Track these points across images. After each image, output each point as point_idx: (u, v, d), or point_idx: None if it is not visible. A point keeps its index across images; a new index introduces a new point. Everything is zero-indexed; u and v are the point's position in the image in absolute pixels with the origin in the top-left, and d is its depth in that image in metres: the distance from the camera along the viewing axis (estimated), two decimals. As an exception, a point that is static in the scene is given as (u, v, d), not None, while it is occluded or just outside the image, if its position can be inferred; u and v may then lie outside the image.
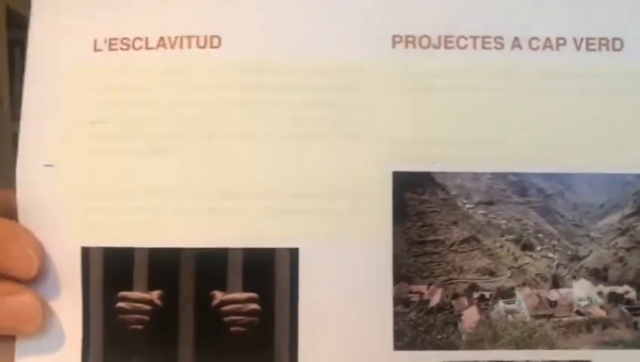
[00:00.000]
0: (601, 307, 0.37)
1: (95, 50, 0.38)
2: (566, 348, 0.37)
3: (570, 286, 0.37)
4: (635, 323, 0.37)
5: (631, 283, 0.37)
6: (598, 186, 0.37)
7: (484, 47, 0.37)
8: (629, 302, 0.37)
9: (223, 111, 0.37)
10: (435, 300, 0.36)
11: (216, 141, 0.37)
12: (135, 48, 0.38)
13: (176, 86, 0.37)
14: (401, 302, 0.36)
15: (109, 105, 0.38)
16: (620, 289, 0.37)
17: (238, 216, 0.37)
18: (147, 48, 0.38)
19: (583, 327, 0.37)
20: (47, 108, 0.38)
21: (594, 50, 0.38)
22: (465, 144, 0.37)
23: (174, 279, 0.36)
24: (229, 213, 0.37)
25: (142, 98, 0.38)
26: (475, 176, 0.37)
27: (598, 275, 0.37)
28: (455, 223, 0.37)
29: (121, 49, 0.38)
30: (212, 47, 0.37)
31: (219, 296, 0.36)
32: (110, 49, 0.38)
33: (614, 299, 0.37)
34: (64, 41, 0.38)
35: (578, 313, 0.37)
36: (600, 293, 0.37)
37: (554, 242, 0.37)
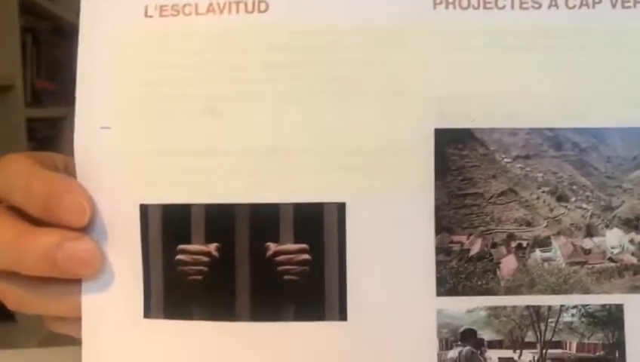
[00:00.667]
0: (633, 254, 0.39)
1: (146, 16, 0.39)
2: (599, 293, 0.39)
3: (604, 235, 0.39)
4: (664, 269, 0.39)
5: (661, 232, 0.39)
6: (630, 140, 0.39)
7: (521, 7, 0.39)
8: (660, 249, 0.39)
9: (272, 72, 0.39)
10: (475, 249, 0.38)
11: (266, 101, 0.38)
12: (185, 14, 0.39)
13: (226, 49, 0.39)
14: (442, 251, 0.38)
15: (159, 67, 0.39)
16: (650, 237, 0.39)
17: (288, 172, 0.38)
18: (197, 14, 0.39)
19: (615, 273, 0.39)
20: (101, 73, 0.39)
21: (629, 7, 0.39)
22: (503, 101, 0.38)
23: (230, 232, 0.38)
24: (280, 170, 0.38)
25: (192, 61, 0.39)
26: (513, 132, 0.39)
27: (630, 224, 0.39)
28: (494, 177, 0.39)
29: (172, 15, 0.39)
30: (259, 11, 0.39)
31: (272, 247, 0.38)
32: (161, 15, 0.39)
33: (645, 246, 0.39)
34: (116, 7, 0.40)
35: (610, 260, 0.39)
36: (632, 241, 0.39)
37: (588, 193, 0.39)
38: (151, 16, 0.39)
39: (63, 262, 0.37)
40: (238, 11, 0.39)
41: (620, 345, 0.39)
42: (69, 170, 0.40)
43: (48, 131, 2.75)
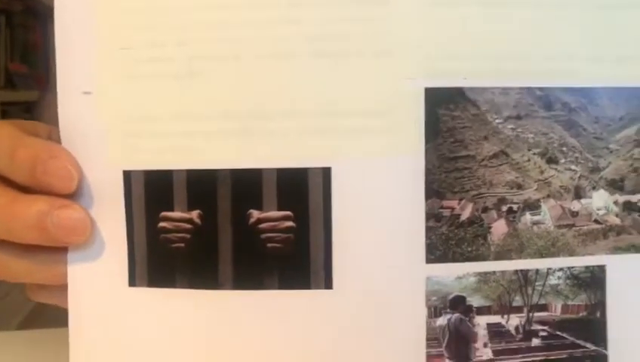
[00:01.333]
0: (617, 215, 0.39)
1: None
2: (583, 255, 0.39)
3: (591, 197, 0.39)
4: (646, 229, 0.39)
5: (644, 192, 0.39)
6: (618, 100, 0.38)
7: None
8: (641, 209, 0.39)
9: (253, 30, 0.37)
10: (466, 214, 0.38)
11: (247, 61, 0.37)
12: None
13: (203, 7, 0.37)
14: (432, 216, 0.37)
15: (138, 29, 0.37)
16: (634, 198, 0.39)
17: (270, 136, 0.37)
18: None
19: (600, 235, 0.39)
20: (79, 36, 0.37)
21: None
22: (494, 59, 0.37)
23: (212, 199, 0.37)
24: (262, 134, 0.37)
25: (170, 21, 0.37)
26: (505, 91, 0.37)
27: (615, 185, 0.39)
28: (485, 138, 0.38)
29: None
30: None
31: (255, 214, 0.37)
32: None
33: (628, 207, 0.39)
34: None
35: (596, 221, 0.39)
36: (616, 202, 0.39)
37: (577, 155, 0.38)
38: None
39: (53, 230, 0.36)
40: None
41: (601, 304, 0.39)
42: (53, 139, 0.39)
43: (22, 114, 2.70)
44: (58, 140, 0.38)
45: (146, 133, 0.37)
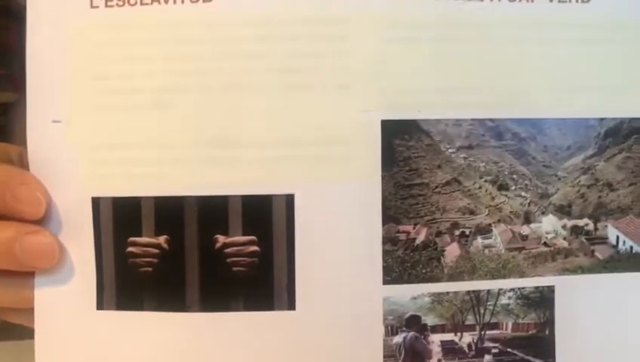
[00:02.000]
0: (565, 238, 0.41)
1: (92, 6, 0.38)
2: (533, 276, 0.41)
3: (540, 222, 0.41)
4: (592, 251, 0.42)
5: (590, 217, 0.41)
6: (566, 130, 0.41)
7: None
8: (587, 233, 0.42)
9: (218, 63, 0.38)
10: (421, 238, 0.40)
11: (213, 93, 0.38)
12: (130, 4, 0.38)
13: (172, 41, 0.38)
14: (389, 240, 0.39)
15: (108, 61, 0.39)
16: (580, 223, 0.41)
17: (235, 164, 0.39)
18: (142, 4, 0.38)
19: (549, 257, 0.41)
20: (50, 66, 0.39)
21: (565, 1, 0.40)
22: (447, 92, 0.39)
23: (179, 224, 0.39)
24: (228, 162, 0.38)
25: (139, 53, 0.38)
26: (457, 123, 0.40)
27: (563, 210, 0.41)
28: (439, 167, 0.40)
29: (117, 5, 0.38)
30: (204, 1, 0.38)
31: (221, 239, 0.39)
32: (107, 6, 0.38)
33: (576, 231, 0.41)
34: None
35: (545, 244, 0.41)
36: (564, 226, 0.41)
37: (526, 182, 0.41)
38: (97, 7, 0.38)
39: (21, 255, 0.37)
40: (183, 1, 0.38)
41: (550, 323, 0.42)
42: (23, 161, 0.40)
43: None
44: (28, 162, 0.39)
45: (115, 160, 0.39)
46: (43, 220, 0.39)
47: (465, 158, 0.40)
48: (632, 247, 0.42)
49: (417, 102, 0.39)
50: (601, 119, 0.41)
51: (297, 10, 0.39)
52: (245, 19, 0.38)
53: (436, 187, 0.40)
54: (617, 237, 0.42)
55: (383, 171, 0.39)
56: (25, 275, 0.39)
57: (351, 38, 0.39)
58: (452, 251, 0.40)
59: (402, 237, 0.39)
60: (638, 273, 0.42)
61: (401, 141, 0.39)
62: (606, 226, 0.42)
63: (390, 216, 0.39)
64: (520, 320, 0.41)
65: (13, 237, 0.37)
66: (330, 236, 0.39)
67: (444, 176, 0.40)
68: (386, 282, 0.40)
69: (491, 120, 0.40)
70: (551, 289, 0.41)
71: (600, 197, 0.41)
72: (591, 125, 0.41)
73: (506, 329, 0.41)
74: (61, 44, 0.39)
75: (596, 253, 0.41)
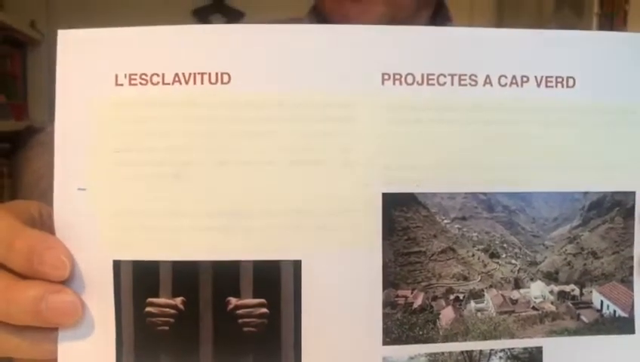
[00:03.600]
0: (552, 303, 0.44)
1: (117, 84, 0.42)
2: (522, 338, 0.44)
3: (529, 287, 0.44)
4: (578, 315, 0.45)
5: (576, 283, 0.45)
6: (553, 203, 0.44)
7: (460, 84, 0.43)
8: (573, 298, 0.45)
9: (233, 140, 0.42)
10: (418, 302, 0.43)
11: (228, 167, 0.42)
12: (153, 83, 0.42)
13: (191, 118, 0.42)
14: (389, 304, 0.42)
15: (131, 135, 0.42)
16: (567, 288, 0.45)
17: (247, 232, 0.42)
18: (164, 83, 0.42)
19: (537, 320, 0.44)
20: (77, 138, 0.42)
21: (551, 86, 0.44)
22: (443, 168, 0.43)
23: (195, 287, 0.42)
24: (240, 230, 0.42)
25: (160, 129, 0.42)
26: (452, 196, 0.43)
27: (551, 277, 0.44)
28: (435, 236, 0.43)
29: (140, 84, 0.42)
30: (222, 82, 0.42)
31: (233, 301, 0.42)
32: (130, 84, 0.42)
33: (562, 296, 0.44)
34: (88, 76, 0.42)
35: (534, 308, 0.44)
36: (551, 292, 0.44)
37: (516, 250, 0.44)
38: (121, 85, 0.42)
39: (47, 313, 0.40)
40: (202, 82, 0.42)
41: (538, 382, 0.44)
42: (44, 217, 0.43)
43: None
44: (48, 218, 0.42)
45: (135, 227, 0.42)
46: (67, 281, 0.41)
47: (459, 229, 0.43)
48: (615, 311, 0.45)
49: (415, 177, 0.42)
50: (586, 193, 0.44)
51: (308, 94, 0.42)
52: (260, 100, 0.42)
53: (432, 255, 0.43)
54: (602, 302, 0.45)
55: (383, 240, 0.42)
56: (48, 330, 0.41)
57: (356, 120, 0.42)
58: (447, 314, 0.43)
59: (401, 301, 0.42)
60: (620, 335, 0.45)
61: (400, 212, 0.42)
62: (591, 292, 0.45)
63: (390, 281, 0.42)
64: (510, 379, 0.44)
65: (40, 296, 0.39)
66: (335, 299, 0.42)
67: (439, 245, 0.43)
68: (385, 343, 0.42)
69: (483, 193, 0.43)
70: (539, 350, 0.44)
71: (585, 264, 0.45)
72: (576, 198, 0.44)
73: (498, 388, 0.44)
74: (87, 118, 0.42)
75: (582, 317, 0.44)
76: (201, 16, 3.03)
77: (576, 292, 0.45)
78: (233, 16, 3.00)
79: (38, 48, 2.87)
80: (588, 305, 0.45)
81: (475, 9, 2.93)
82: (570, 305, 0.44)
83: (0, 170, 2.59)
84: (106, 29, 0.42)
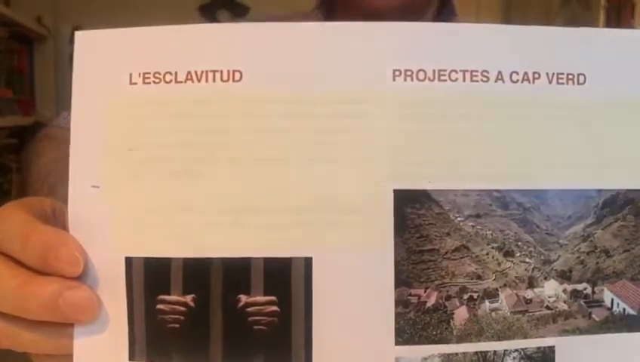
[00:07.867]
0: (565, 302, 0.44)
1: (131, 83, 0.42)
2: (536, 337, 0.43)
3: (542, 286, 0.44)
4: (590, 314, 0.44)
5: (588, 281, 0.44)
6: (567, 200, 0.44)
7: (472, 80, 0.43)
8: (586, 296, 0.44)
9: (245, 137, 0.42)
10: (431, 301, 0.42)
11: (240, 164, 0.41)
12: (166, 82, 0.42)
13: (203, 115, 0.42)
14: (401, 303, 0.42)
15: (144, 133, 0.42)
16: (580, 287, 0.44)
17: (259, 229, 0.41)
18: (176, 82, 0.42)
19: (550, 319, 0.44)
20: (91, 136, 0.42)
21: (562, 83, 0.43)
22: (456, 165, 0.42)
23: (205, 284, 0.41)
24: (252, 227, 0.41)
25: (173, 126, 0.42)
26: (465, 193, 0.43)
27: (564, 276, 0.44)
28: (448, 234, 0.43)
29: (154, 82, 0.42)
30: (234, 80, 0.42)
31: (243, 299, 0.41)
32: (144, 82, 0.42)
33: (575, 294, 0.44)
34: (103, 76, 0.42)
35: (547, 307, 0.44)
36: (564, 290, 0.44)
37: (530, 249, 0.43)
38: (135, 83, 0.42)
39: (64, 308, 0.40)
40: (214, 80, 0.42)
41: (552, 381, 0.44)
42: (56, 213, 0.43)
43: (7, 140, 2.69)
44: (61, 213, 0.42)
45: (147, 223, 0.42)
46: (80, 277, 0.41)
47: (473, 226, 0.43)
48: (624, 309, 0.44)
49: (428, 174, 0.42)
50: (599, 190, 0.44)
51: (319, 91, 0.42)
52: (272, 97, 0.42)
53: (446, 253, 0.42)
54: (612, 300, 0.44)
55: (395, 237, 0.42)
56: (64, 325, 0.42)
57: (367, 117, 0.42)
58: (461, 314, 0.42)
59: (414, 300, 0.42)
60: (630, 333, 0.45)
61: (412, 209, 0.42)
62: (602, 290, 0.44)
63: (402, 280, 0.42)
64: (524, 379, 0.44)
65: (57, 291, 0.40)
66: (346, 297, 0.42)
67: (453, 243, 0.43)
68: (398, 343, 0.42)
69: (497, 191, 0.43)
70: (552, 350, 0.44)
71: (597, 263, 0.44)
72: (590, 196, 0.44)
73: (511, 388, 0.44)
74: (101, 116, 0.42)
75: (593, 315, 0.44)
76: (208, 11, 3.03)
77: (588, 290, 0.44)
78: (239, 11, 3.00)
79: (45, 44, 2.89)
80: (599, 303, 0.44)
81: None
82: (583, 303, 0.44)
83: (9, 166, 2.60)
84: (119, 30, 0.42)
